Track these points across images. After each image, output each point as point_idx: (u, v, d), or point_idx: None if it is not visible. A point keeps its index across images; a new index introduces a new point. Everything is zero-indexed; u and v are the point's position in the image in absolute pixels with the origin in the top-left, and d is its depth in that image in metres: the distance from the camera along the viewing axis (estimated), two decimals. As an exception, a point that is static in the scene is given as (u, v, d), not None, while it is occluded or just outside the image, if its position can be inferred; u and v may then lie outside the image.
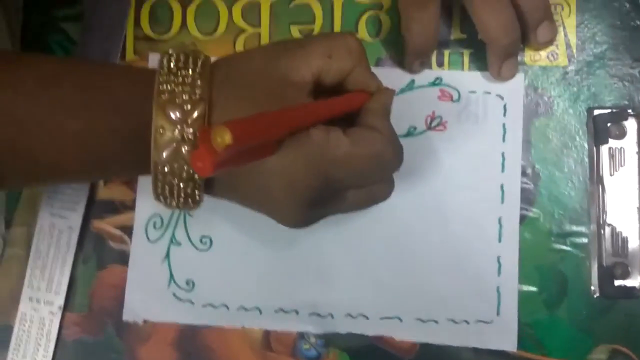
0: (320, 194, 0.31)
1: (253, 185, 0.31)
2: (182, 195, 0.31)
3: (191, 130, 0.29)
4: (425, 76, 0.40)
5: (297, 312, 0.39)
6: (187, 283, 0.40)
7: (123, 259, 0.41)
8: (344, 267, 0.39)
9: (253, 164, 0.29)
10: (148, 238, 0.41)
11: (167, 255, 0.40)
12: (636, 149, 0.38)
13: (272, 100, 0.30)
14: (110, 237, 0.41)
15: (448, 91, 0.40)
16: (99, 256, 0.41)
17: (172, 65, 0.30)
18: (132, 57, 0.42)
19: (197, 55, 0.31)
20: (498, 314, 0.38)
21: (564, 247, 0.38)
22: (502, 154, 0.39)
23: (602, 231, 0.38)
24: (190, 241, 0.40)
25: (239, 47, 0.41)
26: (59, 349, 0.40)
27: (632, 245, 0.37)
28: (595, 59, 0.39)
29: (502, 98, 0.39)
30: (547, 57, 0.39)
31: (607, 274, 0.37)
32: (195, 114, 0.29)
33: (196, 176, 0.30)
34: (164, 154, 0.29)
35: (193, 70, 0.30)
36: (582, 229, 0.38)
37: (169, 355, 0.40)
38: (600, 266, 0.38)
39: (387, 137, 0.32)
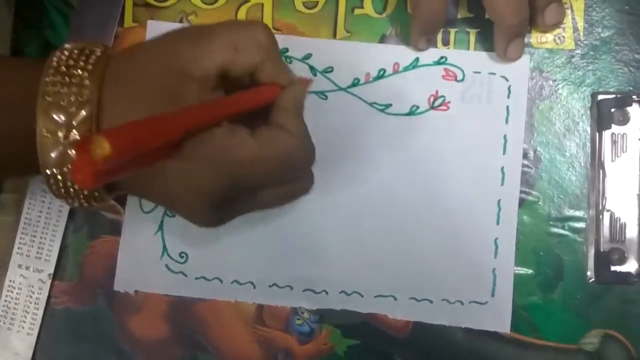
0: (228, 196, 0.30)
1: (156, 189, 0.30)
2: (81, 196, 0.29)
3: (78, 133, 0.27)
4: (430, 55, 0.39)
5: (291, 288, 0.39)
6: (181, 255, 0.40)
7: (116, 229, 0.40)
8: (340, 245, 0.39)
9: (152, 167, 0.27)
10: (142, 209, 0.40)
11: (161, 227, 0.40)
12: (639, 135, 0.38)
13: (170, 97, 0.28)
14: (103, 206, 0.40)
15: (452, 71, 0.39)
16: (91, 226, 0.40)
17: (62, 63, 0.28)
18: (130, 24, 0.41)
19: (92, 51, 0.29)
20: (493, 295, 0.38)
21: (562, 232, 0.38)
22: (505, 136, 0.39)
23: (601, 216, 0.38)
24: (185, 213, 0.40)
25: (241, 17, 0.40)
26: (48, 318, 0.40)
27: (630, 231, 0.38)
28: (602, 44, 0.39)
29: (506, 79, 0.39)
30: (554, 39, 0.39)
31: (604, 260, 0.37)
32: (81, 117, 0.27)
33: None
34: (52, 157, 0.27)
35: (83, 69, 0.28)
36: (581, 213, 0.38)
37: (160, 326, 0.40)
38: (597, 251, 0.38)
39: (296, 136, 0.30)
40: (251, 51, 0.30)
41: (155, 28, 0.40)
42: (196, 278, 0.40)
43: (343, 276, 0.39)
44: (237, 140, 0.29)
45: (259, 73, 0.31)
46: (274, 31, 0.39)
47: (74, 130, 0.27)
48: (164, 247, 0.40)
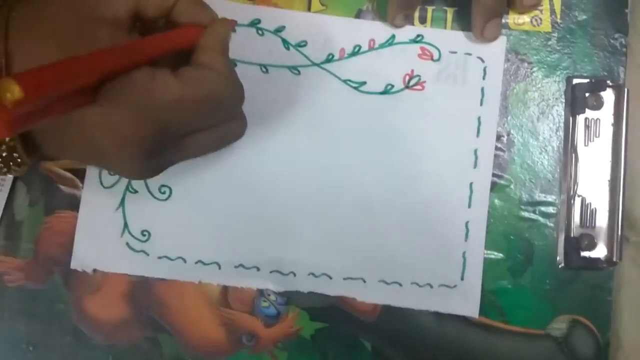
0: (156, 143, 0.28)
1: (79, 142, 0.28)
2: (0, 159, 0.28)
3: None
4: (407, 32, 0.38)
5: (257, 269, 0.38)
6: (143, 233, 0.38)
7: (74, 204, 0.38)
8: (309, 226, 0.38)
9: (73, 117, 0.26)
10: (102, 183, 0.38)
11: (122, 203, 0.38)
12: (612, 121, 0.38)
13: (83, 42, 0.27)
14: (61, 180, 0.38)
15: (429, 49, 0.38)
16: (48, 200, 0.38)
17: None
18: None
19: None
20: (462, 279, 0.38)
21: (533, 216, 0.38)
22: (479, 118, 0.38)
23: (572, 202, 0.37)
24: (148, 189, 0.38)
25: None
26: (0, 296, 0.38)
27: (600, 217, 0.37)
28: (578, 27, 0.38)
29: (482, 60, 0.38)
30: (531, 21, 0.39)
31: (574, 245, 0.37)
32: None
33: (7, 138, 0.27)
34: None
35: None
36: (552, 198, 0.38)
37: (119, 307, 0.38)
38: (567, 237, 0.37)
39: (221, 74, 0.29)
40: None
41: None
42: (159, 257, 0.38)
43: (312, 258, 0.38)
44: (159, 82, 0.27)
45: (176, 13, 0.29)
46: (246, 1, 0.38)
47: None
48: (125, 224, 0.38)
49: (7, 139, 0.27)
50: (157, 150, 0.29)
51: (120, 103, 0.27)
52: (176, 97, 0.27)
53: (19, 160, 0.28)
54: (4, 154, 0.28)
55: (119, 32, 0.28)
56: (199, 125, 0.30)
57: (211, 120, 0.30)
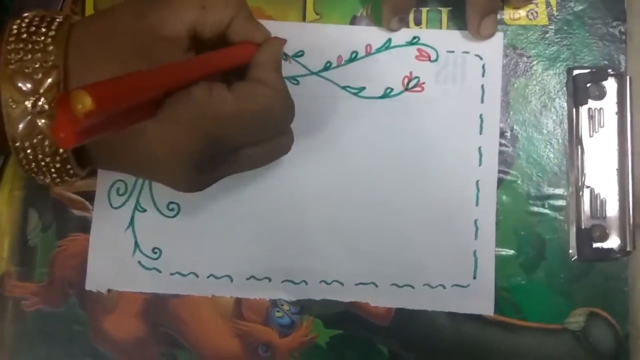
0: (209, 156, 0.29)
1: (133, 153, 0.29)
2: (53, 170, 0.29)
3: (45, 100, 0.26)
4: (403, 35, 0.38)
5: (269, 280, 0.38)
6: (154, 251, 0.38)
7: (85, 226, 0.39)
8: (318, 233, 0.38)
9: (130, 130, 0.26)
10: (111, 204, 0.39)
11: (132, 222, 0.39)
12: (615, 110, 0.37)
13: (143, 59, 0.28)
14: (71, 203, 0.39)
15: (426, 51, 0.38)
16: (60, 224, 0.39)
17: (22, 30, 0.27)
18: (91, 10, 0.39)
19: (53, 17, 0.28)
20: (475, 277, 0.37)
21: (542, 210, 0.38)
22: (481, 116, 0.38)
23: (581, 193, 0.37)
24: (156, 207, 0.39)
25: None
26: (17, 321, 0.38)
27: (610, 207, 0.37)
28: (575, 18, 0.38)
29: (480, 58, 0.38)
30: (527, 15, 0.38)
31: (586, 237, 0.37)
32: (47, 83, 0.26)
33: (61, 150, 0.28)
34: (20, 128, 0.27)
35: (45, 35, 0.27)
36: (561, 191, 0.38)
37: (135, 326, 0.38)
38: (578, 229, 0.37)
39: (275, 90, 0.30)
40: (220, 8, 0.29)
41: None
42: (171, 274, 0.38)
43: (322, 265, 0.38)
44: (216, 96, 0.28)
45: (231, 32, 0.30)
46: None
47: (42, 99, 0.26)
48: (136, 243, 0.38)
49: (61, 150, 0.28)
50: (209, 163, 0.30)
51: (178, 117, 0.28)
52: (232, 111, 0.28)
53: (71, 171, 0.29)
54: (57, 165, 0.28)
55: (178, 50, 0.29)
56: (251, 140, 0.31)
57: (263, 134, 0.31)
